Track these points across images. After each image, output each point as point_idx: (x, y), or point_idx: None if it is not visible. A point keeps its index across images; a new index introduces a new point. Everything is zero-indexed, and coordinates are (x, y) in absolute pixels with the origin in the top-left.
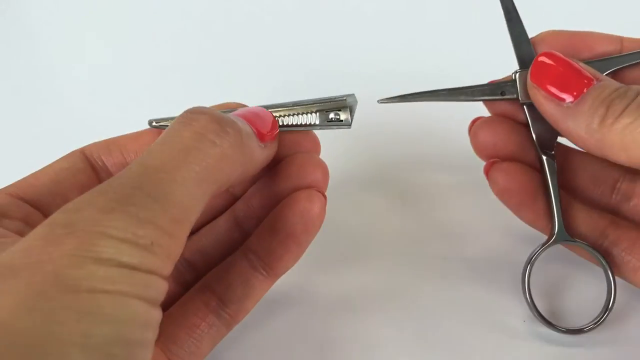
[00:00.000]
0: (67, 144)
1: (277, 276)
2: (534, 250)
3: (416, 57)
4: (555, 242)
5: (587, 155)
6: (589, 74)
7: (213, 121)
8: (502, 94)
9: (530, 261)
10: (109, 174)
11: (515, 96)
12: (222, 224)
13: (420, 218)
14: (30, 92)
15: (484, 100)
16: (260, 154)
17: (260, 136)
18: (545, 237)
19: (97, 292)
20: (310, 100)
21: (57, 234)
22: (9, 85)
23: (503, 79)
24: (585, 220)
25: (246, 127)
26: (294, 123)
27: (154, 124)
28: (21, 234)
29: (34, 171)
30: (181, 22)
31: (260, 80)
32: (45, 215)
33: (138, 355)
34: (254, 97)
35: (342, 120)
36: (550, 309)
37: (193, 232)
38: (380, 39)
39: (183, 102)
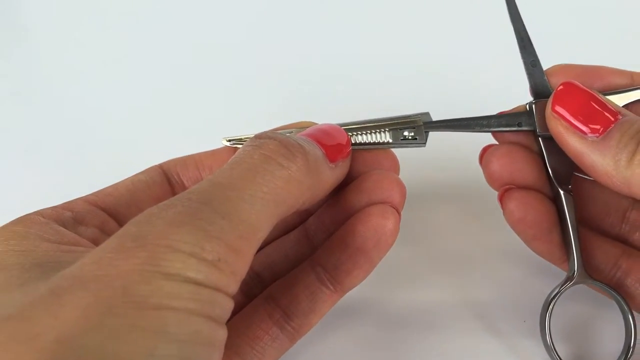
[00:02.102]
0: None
1: (344, 291)
2: (552, 291)
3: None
4: (575, 283)
5: (598, 184)
6: (613, 108)
7: (281, 146)
8: (519, 125)
9: (549, 303)
10: (184, 189)
11: (532, 128)
12: (292, 238)
13: (426, 251)
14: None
15: (498, 132)
16: (331, 175)
17: (331, 156)
18: (558, 269)
19: (163, 308)
20: (384, 118)
21: (127, 246)
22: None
23: (514, 109)
24: (599, 251)
25: (315, 151)
26: (367, 141)
27: (227, 142)
28: (96, 241)
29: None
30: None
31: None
32: (120, 224)
33: None
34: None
35: (416, 139)
36: (570, 351)
37: (264, 246)
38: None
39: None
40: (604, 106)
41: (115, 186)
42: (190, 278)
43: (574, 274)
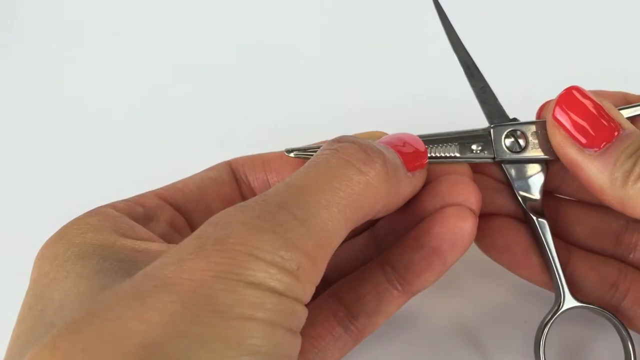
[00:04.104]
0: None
1: (412, 294)
2: (544, 318)
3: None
4: (566, 310)
5: (584, 208)
6: (616, 120)
7: (360, 150)
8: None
9: (542, 329)
10: (250, 189)
11: (491, 155)
12: (361, 241)
13: None
14: None
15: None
16: (408, 184)
17: (410, 165)
18: (546, 290)
19: (247, 319)
20: (452, 132)
21: (207, 249)
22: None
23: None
24: (592, 272)
25: (394, 158)
26: (436, 155)
27: (292, 154)
28: (165, 236)
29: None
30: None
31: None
32: (188, 220)
33: None
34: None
35: (484, 152)
36: None
37: None
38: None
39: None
40: (608, 117)
41: (185, 182)
42: (272, 288)
43: (560, 303)
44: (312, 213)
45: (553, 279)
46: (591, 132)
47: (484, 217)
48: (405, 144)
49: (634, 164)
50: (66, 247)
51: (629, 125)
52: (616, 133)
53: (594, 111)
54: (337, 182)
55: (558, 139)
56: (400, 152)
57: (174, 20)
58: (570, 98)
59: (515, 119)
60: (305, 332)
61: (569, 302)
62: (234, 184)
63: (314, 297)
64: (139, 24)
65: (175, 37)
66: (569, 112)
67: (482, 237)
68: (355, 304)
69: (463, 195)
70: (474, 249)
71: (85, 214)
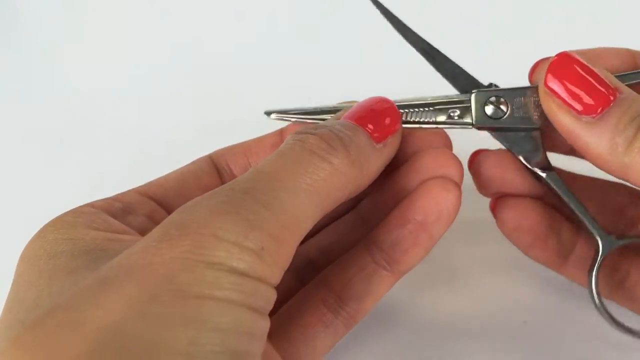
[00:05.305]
0: None
1: (401, 273)
2: (592, 264)
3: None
4: (611, 248)
5: (589, 182)
6: (612, 84)
7: (321, 140)
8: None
9: (594, 267)
10: (232, 176)
11: (470, 121)
12: (347, 221)
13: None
14: None
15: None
16: (378, 157)
17: (379, 135)
18: (546, 291)
19: (204, 298)
20: (432, 97)
21: (171, 234)
22: None
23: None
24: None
25: (358, 139)
26: (414, 120)
27: (272, 116)
28: (144, 230)
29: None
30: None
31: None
32: (169, 213)
33: None
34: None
35: (462, 118)
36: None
37: (318, 231)
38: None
39: None
40: (602, 82)
41: (165, 177)
42: (233, 268)
43: (601, 244)
44: (277, 198)
45: (584, 226)
46: (586, 98)
47: (510, 198)
48: (373, 113)
49: (637, 130)
50: (40, 246)
51: (625, 89)
52: (612, 97)
53: (587, 77)
54: (303, 169)
55: (552, 108)
56: (367, 124)
57: (172, 18)
58: (561, 65)
59: (491, 84)
60: (295, 320)
61: (610, 242)
62: (214, 174)
63: (304, 285)
64: (138, 23)
65: (172, 28)
66: (561, 79)
67: (507, 220)
68: (344, 288)
69: (444, 168)
70: (472, 249)
71: (63, 213)
